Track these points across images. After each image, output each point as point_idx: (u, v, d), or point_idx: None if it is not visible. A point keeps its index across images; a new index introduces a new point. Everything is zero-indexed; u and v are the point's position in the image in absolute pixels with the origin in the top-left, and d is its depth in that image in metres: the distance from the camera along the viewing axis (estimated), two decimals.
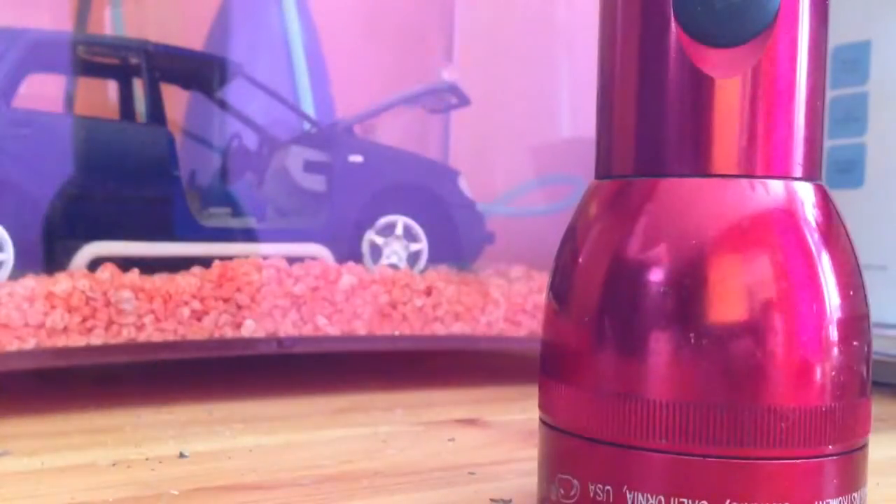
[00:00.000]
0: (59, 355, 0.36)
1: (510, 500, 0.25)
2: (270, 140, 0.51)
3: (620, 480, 0.20)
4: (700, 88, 0.20)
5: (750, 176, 0.20)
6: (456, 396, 0.41)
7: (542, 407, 0.22)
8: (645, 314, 0.19)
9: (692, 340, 0.19)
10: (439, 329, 0.44)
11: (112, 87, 0.50)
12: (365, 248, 0.48)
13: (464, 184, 0.52)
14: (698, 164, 0.20)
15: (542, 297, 0.46)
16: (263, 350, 0.40)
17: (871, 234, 0.48)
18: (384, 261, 0.48)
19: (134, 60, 0.47)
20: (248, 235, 0.46)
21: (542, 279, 0.49)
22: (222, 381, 0.43)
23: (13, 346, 0.36)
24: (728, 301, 0.19)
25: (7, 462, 0.28)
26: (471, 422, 0.36)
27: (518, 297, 0.46)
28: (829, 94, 0.52)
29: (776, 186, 0.20)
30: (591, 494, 0.20)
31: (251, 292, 0.40)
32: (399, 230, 0.49)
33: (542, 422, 0.22)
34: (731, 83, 0.20)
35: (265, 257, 0.43)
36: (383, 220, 0.48)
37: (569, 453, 0.21)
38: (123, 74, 0.49)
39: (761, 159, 0.20)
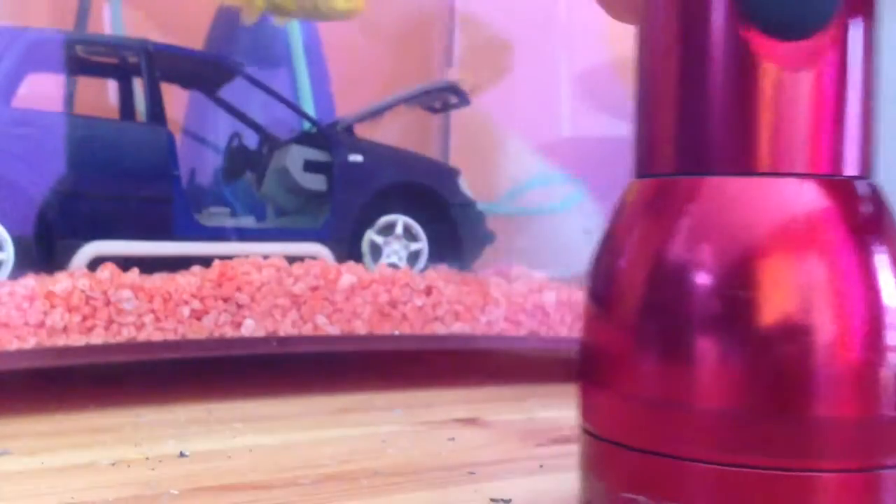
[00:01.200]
0: (59, 355, 0.36)
1: (510, 500, 0.25)
2: (270, 140, 0.51)
3: (668, 492, 0.19)
4: (761, 83, 0.19)
5: (802, 174, 0.19)
6: (456, 396, 0.41)
7: (582, 415, 0.21)
8: (692, 317, 0.19)
9: (744, 346, 0.18)
10: (439, 329, 0.44)
11: (112, 87, 0.50)
12: (365, 247, 0.48)
13: (464, 184, 0.52)
14: (749, 162, 0.19)
15: (542, 297, 0.46)
16: (263, 350, 0.40)
17: None
18: (384, 260, 0.48)
19: (134, 60, 0.47)
20: (249, 235, 0.47)
21: (543, 279, 0.49)
22: (222, 381, 0.43)
23: (13, 345, 0.36)
24: (779, 305, 0.18)
25: (7, 462, 0.28)
26: (471, 422, 0.36)
27: (518, 296, 0.46)
28: None
29: (829, 185, 0.19)
30: None
31: (251, 292, 0.40)
32: (399, 230, 0.49)
33: (583, 430, 0.22)
34: (794, 77, 0.19)
35: (265, 257, 0.43)
36: (383, 220, 0.48)
37: (613, 462, 0.20)
38: (123, 74, 0.49)
39: (815, 157, 0.19)
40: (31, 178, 0.41)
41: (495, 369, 0.49)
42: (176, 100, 0.52)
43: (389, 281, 0.44)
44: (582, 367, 0.21)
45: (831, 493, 0.18)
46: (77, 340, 0.37)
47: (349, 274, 0.43)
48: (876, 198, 0.20)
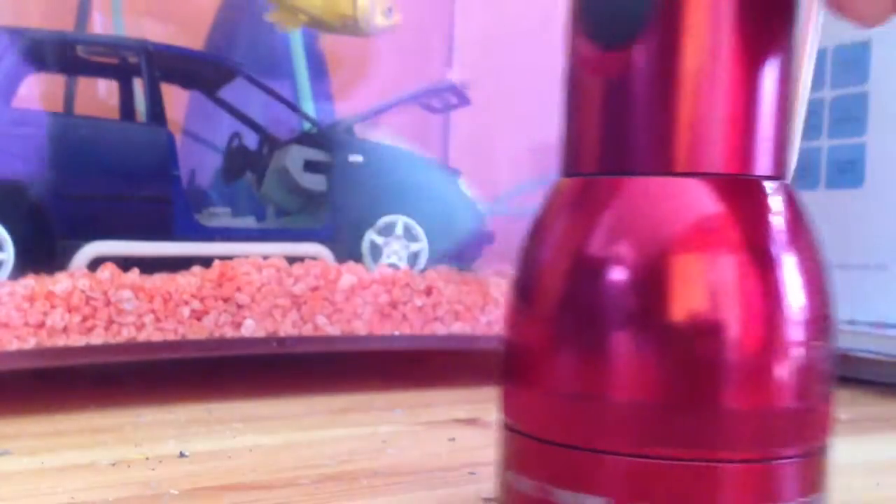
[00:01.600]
0: (59, 355, 0.36)
1: None
2: (270, 140, 0.51)
3: (582, 484, 0.19)
4: (668, 86, 0.20)
5: (712, 174, 0.20)
6: (456, 396, 0.41)
7: (503, 410, 0.22)
8: (606, 314, 0.19)
9: (653, 341, 0.19)
10: (439, 329, 0.44)
11: (112, 87, 0.50)
12: (365, 247, 0.48)
13: (464, 184, 0.52)
14: (663, 162, 0.20)
15: None
16: (263, 350, 0.40)
17: (871, 234, 0.48)
18: (384, 260, 0.48)
19: (134, 60, 0.47)
20: (248, 235, 0.46)
21: None
22: (222, 381, 0.43)
23: (13, 345, 0.36)
24: (687, 303, 0.19)
25: (7, 462, 0.28)
26: (471, 422, 0.36)
27: None
28: (829, 93, 0.52)
29: (739, 184, 0.20)
30: (553, 498, 0.20)
31: (251, 292, 0.40)
32: (399, 230, 0.49)
33: (503, 425, 0.22)
34: (692, 80, 0.20)
35: (265, 257, 0.43)
36: (383, 220, 0.48)
37: (530, 456, 0.21)
38: (123, 74, 0.49)
39: (724, 157, 0.20)
40: (31, 179, 0.41)
41: (495, 369, 0.49)
42: (176, 100, 0.52)
43: (389, 281, 0.44)
44: (504, 362, 0.22)
45: (735, 482, 0.19)
46: (77, 340, 0.37)
47: (349, 274, 0.43)
48: (787, 198, 0.20)
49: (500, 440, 0.22)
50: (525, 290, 0.21)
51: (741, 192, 0.20)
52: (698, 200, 0.20)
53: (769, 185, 0.20)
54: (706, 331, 0.19)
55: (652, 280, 0.19)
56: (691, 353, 0.19)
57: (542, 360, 0.20)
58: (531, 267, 0.22)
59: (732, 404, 0.19)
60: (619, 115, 0.20)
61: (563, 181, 0.22)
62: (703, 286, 0.19)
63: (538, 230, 0.22)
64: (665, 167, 0.20)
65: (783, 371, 0.19)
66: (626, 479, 0.19)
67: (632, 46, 0.20)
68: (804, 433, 0.19)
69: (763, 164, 0.20)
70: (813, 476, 0.20)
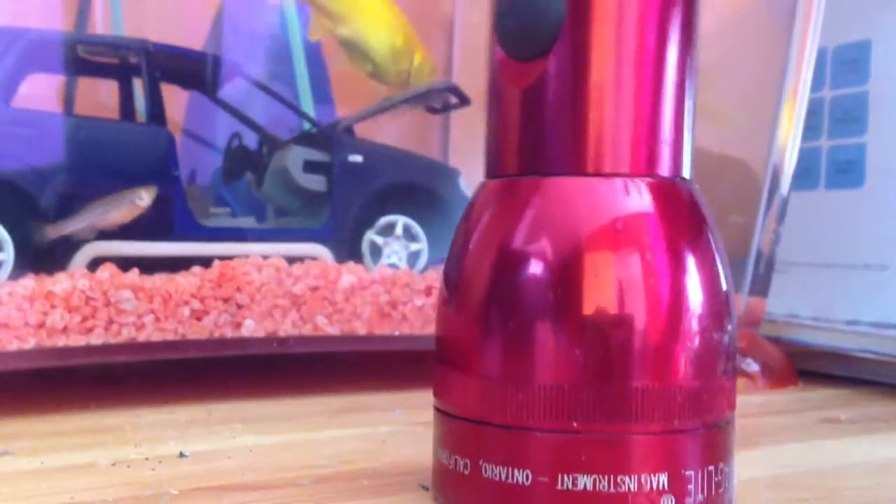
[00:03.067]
0: (59, 355, 0.36)
1: None
2: (270, 140, 0.51)
3: (509, 458, 0.21)
4: (577, 95, 0.21)
5: (617, 174, 0.22)
6: None
7: (437, 395, 0.24)
8: (526, 305, 0.21)
9: (568, 329, 0.21)
10: None
11: (112, 87, 0.50)
12: (365, 248, 0.48)
13: (464, 184, 0.52)
14: (569, 164, 0.22)
15: None
16: (263, 350, 0.40)
17: (871, 234, 0.48)
18: (384, 261, 0.48)
19: (134, 60, 0.47)
20: (248, 235, 0.46)
21: None
22: (222, 381, 0.43)
23: (13, 345, 0.36)
24: (598, 294, 0.21)
25: (7, 462, 0.28)
26: None
27: None
28: (829, 93, 0.52)
29: (640, 184, 0.22)
30: (484, 473, 0.22)
31: (251, 292, 0.40)
32: (399, 230, 0.49)
33: (437, 409, 0.24)
34: (597, 89, 0.21)
35: (265, 257, 0.43)
36: (383, 220, 0.48)
37: (462, 436, 0.23)
38: (123, 74, 0.49)
39: (623, 159, 0.22)
40: (31, 179, 0.41)
41: None
42: (176, 100, 0.52)
43: (389, 281, 0.44)
44: (436, 352, 0.24)
45: (643, 451, 0.21)
46: (77, 341, 0.37)
47: (349, 274, 0.43)
48: (686, 195, 0.22)
49: (434, 422, 0.24)
50: (454, 285, 0.23)
51: (644, 190, 0.22)
52: (606, 199, 0.21)
53: (669, 184, 0.22)
54: (615, 319, 0.21)
55: (566, 274, 0.21)
56: (603, 340, 0.21)
57: (471, 348, 0.22)
58: (459, 263, 0.23)
59: (639, 384, 0.21)
60: (534, 121, 0.22)
61: (486, 182, 0.24)
62: (611, 279, 0.21)
63: (465, 229, 0.24)
64: (576, 169, 0.22)
65: (682, 355, 0.21)
66: (548, 452, 0.21)
67: (542, 60, 0.22)
68: (704, 409, 0.22)
69: (663, 165, 0.22)
70: (715, 446, 0.22)
